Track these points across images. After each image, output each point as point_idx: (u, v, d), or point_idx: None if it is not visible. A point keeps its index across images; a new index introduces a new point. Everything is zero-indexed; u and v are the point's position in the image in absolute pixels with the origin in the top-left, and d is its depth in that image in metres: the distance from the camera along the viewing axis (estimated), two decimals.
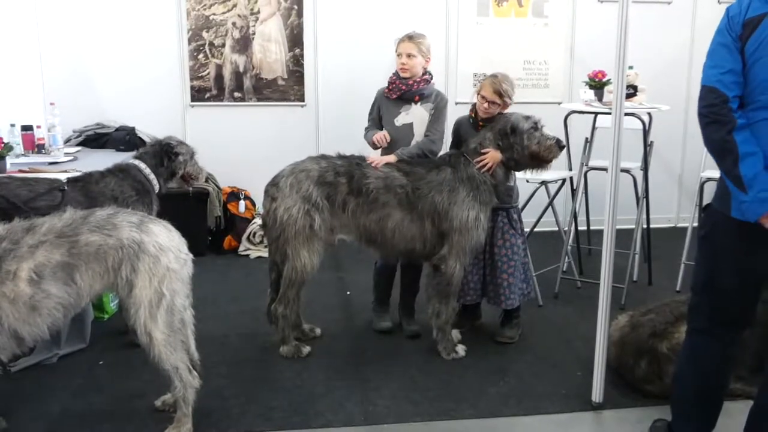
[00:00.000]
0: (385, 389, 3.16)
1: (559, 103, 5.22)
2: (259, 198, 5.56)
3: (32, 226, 2.43)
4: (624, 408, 2.98)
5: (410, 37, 3.62)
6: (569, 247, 4.50)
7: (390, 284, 3.90)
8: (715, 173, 4.07)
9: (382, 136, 3.61)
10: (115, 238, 2.49)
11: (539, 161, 3.48)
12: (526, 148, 3.40)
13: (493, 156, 3.41)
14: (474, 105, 3.64)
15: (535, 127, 3.43)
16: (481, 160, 3.41)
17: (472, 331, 3.79)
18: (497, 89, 3.47)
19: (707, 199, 4.13)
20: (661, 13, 5.63)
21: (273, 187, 3.45)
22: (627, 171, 4.40)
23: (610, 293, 2.88)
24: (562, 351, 3.57)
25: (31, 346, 2.61)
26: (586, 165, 4.44)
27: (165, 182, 3.65)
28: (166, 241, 2.58)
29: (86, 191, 3.34)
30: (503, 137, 3.42)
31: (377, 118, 3.75)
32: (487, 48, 5.52)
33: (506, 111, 3.54)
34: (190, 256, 2.69)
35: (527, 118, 3.45)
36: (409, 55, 3.59)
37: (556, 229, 4.57)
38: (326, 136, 5.44)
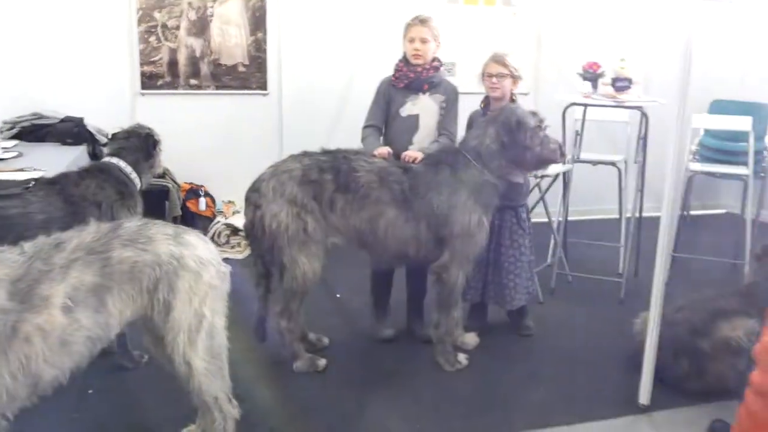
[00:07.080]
0: (426, 402, 2.95)
1: (527, 94, 5.16)
2: (217, 194, 5.17)
3: (59, 242, 2.02)
4: (670, 408, 2.91)
5: (423, 21, 3.37)
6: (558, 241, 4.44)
7: (388, 287, 3.65)
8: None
9: (386, 152, 3.26)
10: (151, 252, 2.12)
11: (538, 164, 3.28)
12: (528, 148, 3.14)
13: None
14: (486, 97, 3.48)
15: (540, 126, 3.20)
16: None
17: (481, 334, 3.62)
18: (499, 60, 3.36)
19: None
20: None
21: (254, 193, 3.10)
22: (612, 164, 4.45)
23: (662, 295, 2.82)
24: (585, 350, 3.48)
25: (44, 394, 1.99)
26: (577, 157, 4.39)
27: (145, 179, 3.28)
28: (206, 254, 2.24)
29: (66, 195, 2.90)
30: (508, 133, 3.12)
31: (385, 110, 3.44)
32: (454, 36, 5.34)
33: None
34: (229, 268, 2.35)
35: (533, 114, 3.21)
36: (423, 41, 3.35)
37: (540, 221, 4.47)
38: (290, 127, 5.11)
